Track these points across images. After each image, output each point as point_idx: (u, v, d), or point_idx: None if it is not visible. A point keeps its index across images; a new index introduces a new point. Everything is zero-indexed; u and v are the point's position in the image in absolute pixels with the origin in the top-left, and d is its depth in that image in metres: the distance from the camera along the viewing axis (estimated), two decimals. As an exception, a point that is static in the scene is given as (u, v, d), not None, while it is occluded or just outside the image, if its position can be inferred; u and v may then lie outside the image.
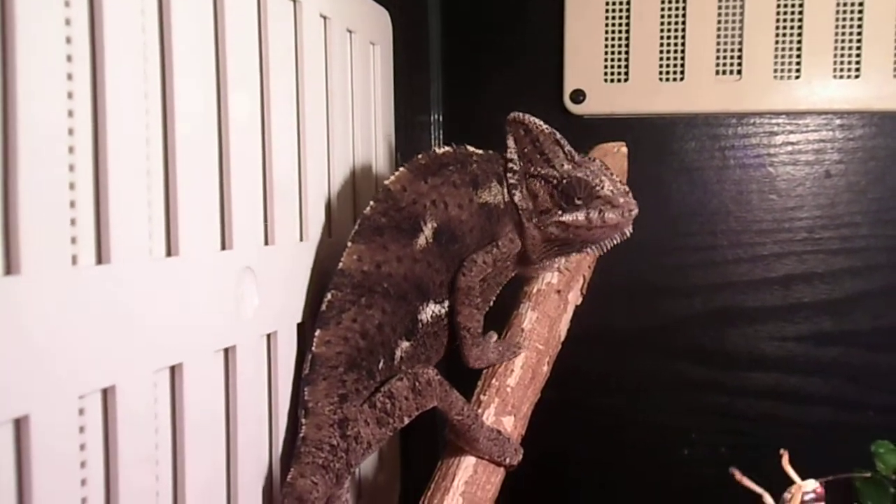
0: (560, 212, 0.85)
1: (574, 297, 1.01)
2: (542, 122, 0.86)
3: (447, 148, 0.86)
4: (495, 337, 0.92)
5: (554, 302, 0.97)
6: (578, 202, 0.84)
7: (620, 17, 1.28)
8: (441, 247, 0.83)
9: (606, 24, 1.28)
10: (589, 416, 1.37)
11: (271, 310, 0.77)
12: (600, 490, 1.38)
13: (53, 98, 0.51)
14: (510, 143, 0.87)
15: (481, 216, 0.86)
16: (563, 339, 0.98)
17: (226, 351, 0.71)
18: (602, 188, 0.84)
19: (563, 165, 0.85)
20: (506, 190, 0.87)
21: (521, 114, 0.86)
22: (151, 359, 0.60)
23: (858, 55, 1.23)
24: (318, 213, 0.88)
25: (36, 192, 0.49)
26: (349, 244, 0.79)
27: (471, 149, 0.87)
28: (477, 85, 1.37)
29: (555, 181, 0.85)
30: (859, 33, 1.23)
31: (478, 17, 1.36)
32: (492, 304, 0.92)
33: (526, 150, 0.87)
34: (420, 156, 0.85)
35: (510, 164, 0.87)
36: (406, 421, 0.78)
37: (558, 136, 0.86)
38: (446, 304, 0.85)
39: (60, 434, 0.52)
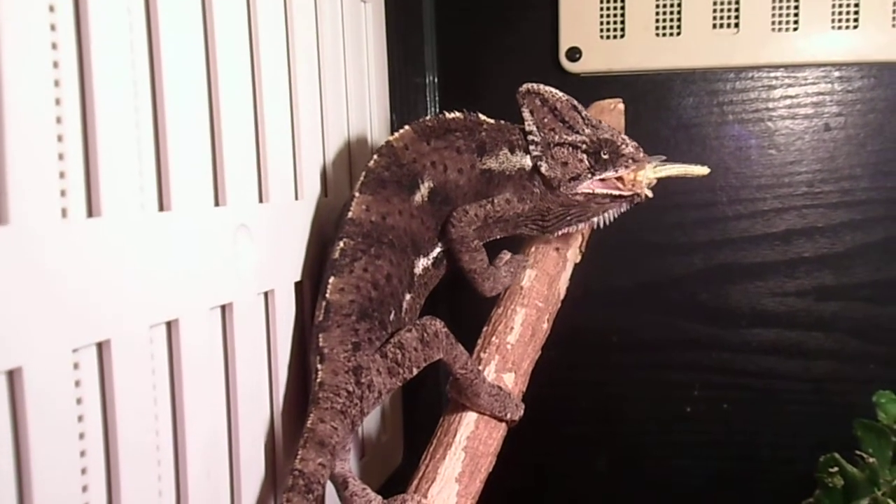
0: (591, 174, 0.87)
1: (573, 255, 1.01)
2: (557, 91, 0.88)
3: (457, 114, 0.87)
4: (507, 256, 0.94)
5: (553, 259, 0.97)
6: (608, 163, 0.87)
7: (615, -27, 1.27)
8: (434, 206, 0.85)
9: (601, -20, 1.27)
10: (589, 374, 1.37)
11: (268, 268, 0.77)
12: (602, 447, 1.39)
13: (38, 50, 0.51)
14: (526, 114, 0.88)
15: (480, 182, 0.87)
16: (562, 296, 0.98)
17: (222, 308, 0.71)
18: (626, 147, 0.87)
19: (584, 130, 0.87)
20: (520, 159, 0.88)
21: (534, 84, 0.88)
22: (146, 314, 0.60)
23: (857, 5, 1.22)
24: (314, 173, 0.88)
25: (23, 144, 0.49)
26: (356, 195, 0.80)
27: (482, 117, 0.88)
28: (472, 45, 1.35)
29: (584, 146, 0.87)
30: (857, -18, 1.21)
31: (471, -25, 1.35)
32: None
33: (545, 119, 0.88)
34: (428, 118, 0.86)
35: (531, 137, 0.88)
36: (414, 372, 0.79)
37: (575, 102, 0.89)
38: (431, 256, 0.87)
39: (55, 386, 0.51)
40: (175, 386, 0.64)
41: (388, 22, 1.11)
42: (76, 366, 0.54)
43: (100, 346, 0.56)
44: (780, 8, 1.23)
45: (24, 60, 0.49)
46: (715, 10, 1.25)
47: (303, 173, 0.85)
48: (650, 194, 0.88)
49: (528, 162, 0.88)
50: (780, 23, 1.24)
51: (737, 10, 1.24)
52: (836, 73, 1.27)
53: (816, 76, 1.28)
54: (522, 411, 0.85)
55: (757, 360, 1.34)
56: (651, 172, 0.87)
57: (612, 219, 0.92)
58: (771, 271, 1.32)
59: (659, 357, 1.36)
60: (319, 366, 0.75)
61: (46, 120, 0.51)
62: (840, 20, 1.22)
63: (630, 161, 0.87)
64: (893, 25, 1.21)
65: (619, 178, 0.88)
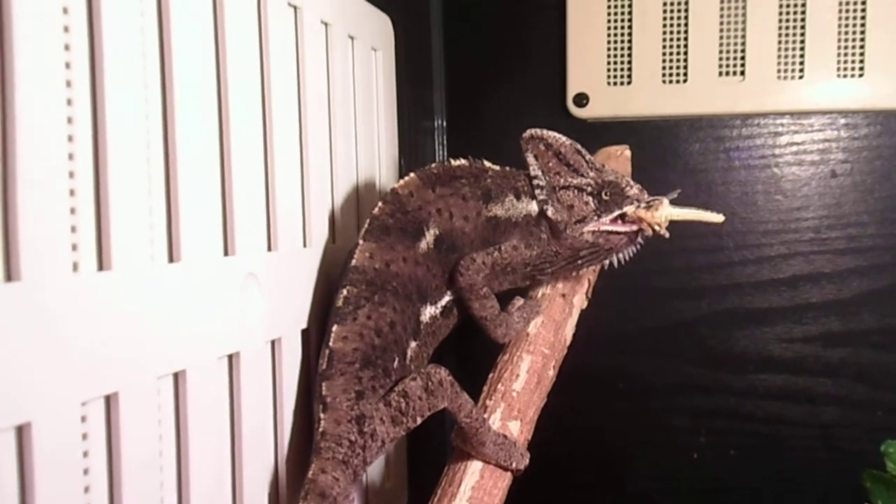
0: (598, 216, 0.87)
1: (579, 301, 1.01)
2: (560, 135, 0.88)
3: (462, 161, 0.87)
4: (520, 301, 0.94)
5: (559, 306, 0.97)
6: (612, 204, 0.87)
7: (622, 20, 1.28)
8: (440, 253, 0.85)
9: (609, 27, 1.28)
10: (597, 420, 1.37)
11: (276, 316, 0.77)
12: (608, 494, 1.38)
13: (53, 105, 0.51)
14: (531, 159, 0.89)
15: (487, 229, 0.87)
16: (568, 343, 0.98)
17: (230, 357, 0.71)
18: (630, 188, 0.87)
19: (589, 173, 0.88)
20: (526, 205, 0.88)
21: (538, 130, 0.88)
22: (154, 365, 0.60)
23: (862, 54, 1.23)
24: (322, 220, 0.88)
25: (35, 199, 0.49)
26: (360, 242, 0.80)
27: (487, 164, 0.89)
28: (480, 90, 1.37)
29: (589, 188, 0.88)
30: (862, 32, 1.22)
31: (480, 21, 1.37)
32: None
33: (550, 163, 0.88)
34: (434, 165, 0.86)
35: (536, 181, 0.88)
36: (419, 420, 0.78)
37: (578, 146, 0.89)
38: (439, 305, 0.86)
39: (63, 441, 0.52)
40: (181, 436, 0.64)
41: (398, 67, 1.12)
42: (84, 419, 0.54)
43: (108, 398, 0.56)
44: (786, 56, 1.24)
45: (37, 115, 0.50)
46: (721, 58, 1.26)
47: (311, 220, 0.85)
48: (667, 234, 0.87)
49: (534, 208, 0.89)
50: (785, 70, 1.25)
51: (742, 57, 1.25)
52: (843, 121, 1.28)
53: (822, 123, 1.29)
54: (528, 460, 0.85)
55: (764, 406, 1.33)
56: (668, 212, 0.87)
57: (624, 260, 0.91)
58: (778, 317, 1.32)
59: (666, 403, 1.36)
60: (322, 415, 0.75)
61: (59, 175, 0.52)
62: (845, 68, 1.23)
63: (635, 202, 0.87)
64: (899, 74, 1.22)
65: (639, 219, 0.87)
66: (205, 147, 0.67)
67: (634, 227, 0.88)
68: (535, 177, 0.88)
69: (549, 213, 0.88)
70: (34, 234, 0.49)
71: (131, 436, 0.57)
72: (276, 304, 0.77)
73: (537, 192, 0.88)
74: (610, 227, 0.88)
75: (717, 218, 0.88)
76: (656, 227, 0.87)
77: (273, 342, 0.78)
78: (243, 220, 0.72)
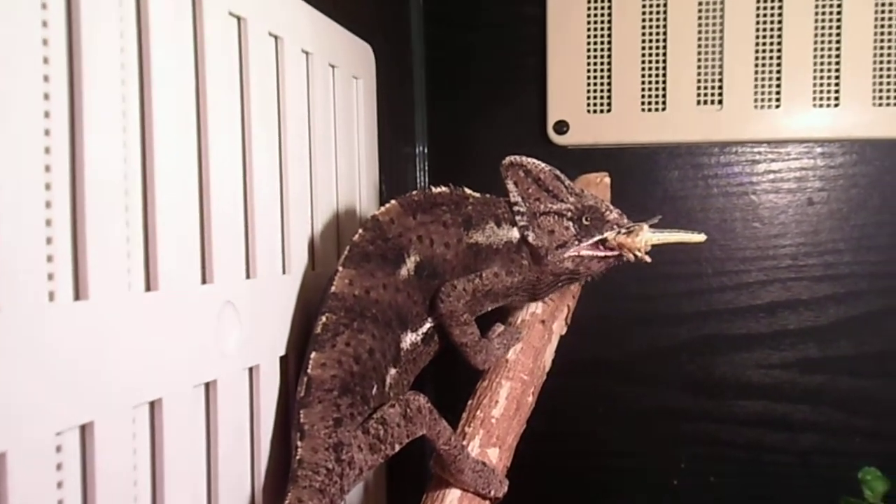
0: (578, 241, 0.88)
1: (559, 328, 1.01)
2: (539, 162, 0.89)
3: (443, 188, 0.88)
4: (500, 328, 0.95)
5: (538, 332, 0.98)
6: (592, 229, 0.88)
7: (602, 49, 1.30)
8: (421, 280, 0.85)
9: (588, 56, 1.30)
10: (576, 447, 1.37)
11: (253, 343, 0.77)
12: (589, 521, 1.38)
13: (30, 135, 0.51)
14: (511, 186, 0.89)
15: (468, 256, 0.87)
16: (547, 369, 0.98)
17: (206, 385, 0.71)
18: (610, 213, 0.88)
19: (569, 198, 0.89)
20: (506, 232, 0.89)
21: (517, 157, 0.89)
22: (130, 394, 0.60)
23: (837, 84, 1.25)
24: (302, 247, 0.88)
25: (12, 229, 0.49)
26: (340, 268, 0.80)
27: (468, 191, 0.89)
28: (462, 117, 1.38)
29: (569, 213, 0.88)
30: (837, 63, 1.24)
31: (461, 49, 1.38)
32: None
33: (530, 190, 0.89)
34: (415, 192, 0.87)
35: (516, 207, 0.89)
36: (397, 448, 0.78)
37: (557, 171, 0.90)
38: (420, 332, 0.86)
39: (37, 471, 0.51)
40: (156, 466, 0.64)
41: (379, 95, 1.13)
42: (59, 448, 0.54)
43: (83, 428, 0.56)
44: (763, 86, 1.26)
45: (13, 145, 0.50)
46: (699, 87, 1.28)
47: (291, 247, 0.85)
48: (648, 259, 0.88)
49: (514, 235, 0.89)
50: (762, 100, 1.26)
51: (720, 87, 1.27)
52: (819, 150, 1.30)
53: (799, 152, 1.30)
54: (507, 487, 0.85)
55: (744, 433, 1.34)
56: (648, 237, 0.88)
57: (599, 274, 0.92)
58: (756, 343, 1.33)
59: (646, 429, 1.36)
60: (299, 442, 0.74)
61: (35, 204, 0.52)
62: (821, 98, 1.25)
63: (615, 226, 0.88)
64: (873, 104, 1.24)
65: (620, 245, 0.88)
66: (183, 175, 0.67)
67: (615, 253, 0.88)
68: (516, 203, 0.89)
69: (530, 238, 0.88)
70: (10, 263, 0.49)
71: (106, 466, 0.57)
72: (254, 332, 0.77)
73: (518, 218, 0.89)
74: (590, 253, 0.89)
75: (699, 238, 0.89)
76: (637, 253, 0.87)
77: (251, 369, 0.78)
78: (221, 248, 0.72)
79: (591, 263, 0.89)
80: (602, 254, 0.88)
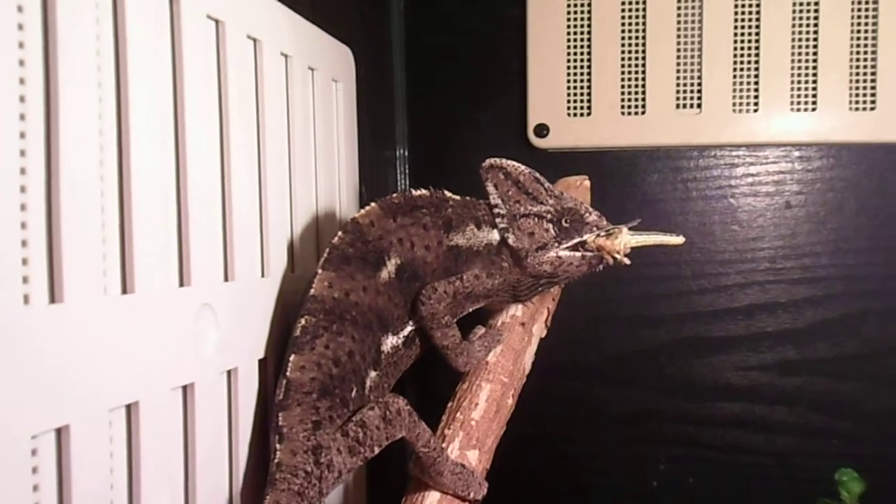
0: (558, 243, 0.88)
1: (539, 330, 1.02)
2: (519, 164, 0.89)
3: (424, 190, 0.88)
4: (481, 330, 0.96)
5: (518, 334, 0.98)
6: (572, 231, 0.88)
7: (582, 53, 1.30)
8: (402, 283, 0.85)
9: (568, 60, 1.30)
10: (555, 448, 1.37)
11: (231, 346, 0.77)
12: (570, 523, 1.38)
13: (6, 137, 0.51)
14: (491, 188, 0.89)
15: (449, 258, 0.87)
16: (527, 371, 0.98)
17: (184, 388, 0.71)
18: (589, 215, 0.89)
19: (548, 200, 0.89)
20: (486, 234, 0.89)
21: (496, 159, 0.89)
22: (106, 397, 0.59)
23: (815, 89, 1.26)
24: (281, 249, 0.88)
25: (-14, 232, 0.49)
26: (319, 271, 0.80)
27: (448, 194, 0.89)
28: (442, 120, 1.38)
29: (548, 216, 0.89)
30: (815, 68, 1.26)
31: (441, 53, 1.38)
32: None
33: (509, 192, 0.89)
34: (395, 195, 0.87)
35: (496, 210, 0.89)
36: (376, 450, 0.78)
37: (537, 174, 0.90)
38: (401, 334, 0.87)
39: (12, 474, 0.51)
40: (133, 469, 0.64)
41: (359, 98, 1.13)
42: (34, 452, 0.54)
43: (59, 431, 0.56)
44: (741, 90, 1.27)
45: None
46: (678, 91, 1.29)
47: (269, 250, 0.85)
48: (627, 262, 0.88)
49: (494, 237, 0.89)
50: (740, 104, 1.28)
51: (699, 91, 1.28)
52: (797, 153, 1.31)
53: (777, 155, 1.31)
54: (486, 490, 0.85)
55: (722, 434, 1.35)
56: (628, 239, 0.88)
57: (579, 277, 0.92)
58: (735, 345, 1.34)
59: (625, 431, 1.37)
60: (278, 445, 0.74)
61: (10, 207, 0.51)
62: (799, 103, 1.26)
63: (594, 228, 0.88)
64: (850, 108, 1.25)
65: (599, 248, 0.88)
66: (160, 177, 0.67)
67: (592, 254, 0.88)
68: (496, 205, 0.89)
69: (510, 240, 0.89)
70: (-16, 266, 0.49)
71: (83, 469, 0.57)
72: (232, 335, 0.77)
73: (498, 220, 0.89)
74: (569, 254, 0.89)
75: (678, 240, 0.89)
76: (616, 256, 0.88)
77: (229, 372, 0.78)
78: (199, 251, 0.72)
79: (570, 267, 0.89)
80: (580, 254, 0.89)
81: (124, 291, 0.63)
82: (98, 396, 0.58)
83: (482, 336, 0.94)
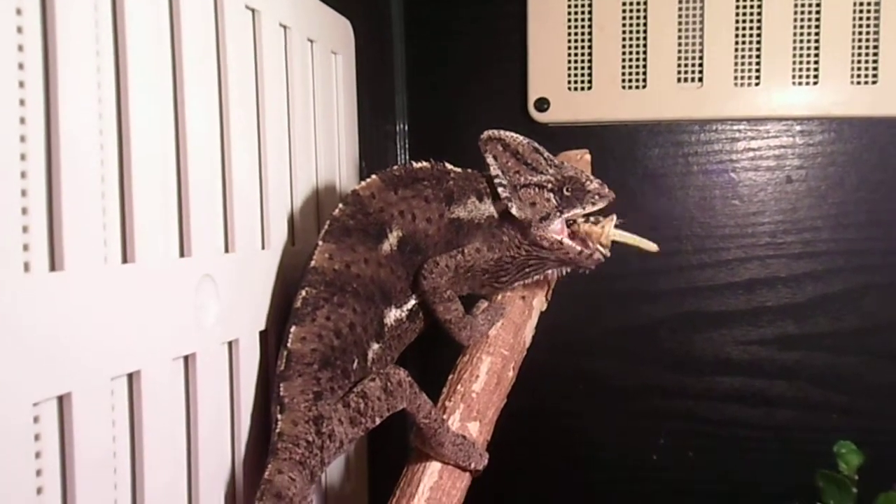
0: (560, 212, 0.89)
1: (539, 304, 1.02)
2: (517, 135, 0.89)
3: (424, 163, 0.88)
4: (484, 304, 0.96)
5: (519, 308, 0.98)
6: (574, 200, 0.89)
7: (582, 26, 1.30)
8: (404, 255, 0.85)
9: (569, 33, 1.30)
10: (556, 422, 1.38)
11: (232, 317, 0.77)
12: (568, 496, 1.39)
13: (5, 105, 0.51)
14: (490, 160, 0.89)
15: (450, 231, 0.87)
16: (528, 345, 0.99)
17: (185, 359, 0.71)
18: (590, 183, 0.89)
19: (548, 170, 0.89)
20: (487, 207, 0.89)
21: (495, 131, 0.89)
22: (108, 366, 0.59)
23: (816, 63, 1.25)
24: (281, 222, 0.88)
25: (-13, 199, 0.49)
26: (320, 243, 0.81)
27: (449, 166, 0.89)
28: (442, 94, 1.38)
29: (549, 185, 0.89)
30: (817, 41, 1.25)
31: (441, 26, 1.37)
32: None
33: (509, 163, 0.89)
34: (395, 167, 0.86)
35: (497, 180, 0.88)
36: (377, 421, 0.78)
37: (536, 144, 0.90)
38: (405, 308, 0.87)
39: (15, 442, 0.51)
40: (135, 437, 0.64)
41: (358, 72, 1.13)
42: (36, 419, 0.54)
43: (60, 399, 0.56)
44: (743, 64, 1.27)
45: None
46: (680, 65, 1.28)
47: (270, 222, 0.85)
48: (607, 254, 0.90)
49: (495, 210, 0.89)
50: (742, 78, 1.27)
51: (701, 65, 1.27)
52: (798, 127, 1.30)
53: (778, 130, 1.31)
54: (487, 460, 0.85)
55: (721, 409, 1.35)
56: (612, 231, 0.89)
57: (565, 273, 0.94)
58: (735, 320, 1.34)
59: (626, 405, 1.37)
60: (279, 416, 0.75)
61: (11, 175, 0.51)
62: (800, 77, 1.26)
63: (596, 197, 0.89)
64: (852, 82, 1.24)
65: (587, 233, 0.89)
66: (161, 148, 0.67)
67: (591, 245, 0.90)
68: (496, 176, 0.89)
69: (514, 210, 0.88)
70: (-15, 233, 0.49)
71: (85, 436, 0.57)
72: (233, 306, 0.77)
73: (500, 190, 0.89)
74: (570, 241, 0.90)
75: (652, 247, 0.91)
76: (600, 244, 0.89)
77: (230, 343, 0.78)
78: (199, 222, 0.72)
79: (567, 254, 0.90)
80: (580, 247, 0.90)
81: (125, 261, 0.63)
82: (99, 365, 0.59)
83: (485, 310, 0.94)
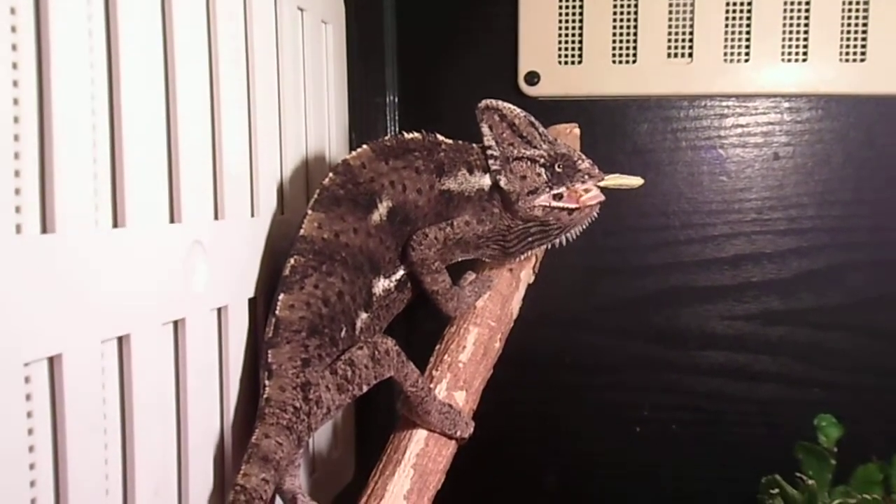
0: (549, 188, 0.89)
1: (526, 276, 1.03)
2: (515, 107, 0.89)
3: (416, 134, 0.88)
4: (472, 276, 0.96)
5: (506, 280, 0.99)
6: (564, 177, 0.89)
7: (573, 1, 1.29)
8: (394, 226, 0.85)
9: (560, 7, 1.30)
10: (542, 394, 1.39)
11: (222, 284, 0.78)
12: (552, 467, 1.40)
13: (-4, 67, 0.51)
14: (485, 130, 0.89)
15: (440, 203, 0.88)
16: (515, 316, 1.00)
17: (175, 323, 0.72)
18: (582, 162, 0.90)
19: (542, 145, 0.89)
20: (478, 179, 0.89)
21: (493, 101, 0.89)
22: (98, 328, 0.60)
23: (806, 39, 1.26)
24: (270, 190, 0.89)
25: (-22, 160, 0.49)
26: (309, 212, 0.81)
27: (440, 138, 0.89)
28: (432, 66, 1.38)
29: (542, 160, 0.89)
30: (807, 18, 1.25)
31: (432, -2, 1.37)
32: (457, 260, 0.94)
33: (504, 134, 0.89)
34: (387, 138, 0.87)
35: (490, 151, 0.89)
36: (364, 389, 0.79)
37: (532, 118, 0.90)
38: (393, 278, 0.87)
39: (6, 400, 0.52)
40: (125, 400, 0.65)
41: (348, 42, 1.13)
42: (27, 379, 0.54)
43: (51, 360, 0.56)
44: (732, 40, 1.27)
45: (-19, 78, 0.50)
46: (670, 40, 1.28)
47: (259, 191, 0.86)
48: (602, 197, 0.91)
49: (486, 182, 0.90)
50: (732, 54, 1.27)
51: (690, 40, 1.27)
52: (786, 104, 1.31)
53: (767, 106, 1.32)
54: (472, 429, 0.86)
55: (705, 382, 1.36)
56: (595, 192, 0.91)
57: (573, 237, 0.94)
58: (720, 295, 1.35)
59: (611, 378, 1.38)
60: (267, 382, 0.75)
61: (3, 137, 0.52)
62: (790, 53, 1.26)
63: (586, 176, 0.89)
64: (840, 60, 1.25)
65: (573, 192, 0.90)
66: (151, 113, 0.67)
67: (573, 205, 0.90)
68: (489, 147, 0.89)
69: (502, 183, 0.89)
70: (-24, 194, 0.49)
71: (75, 398, 0.58)
72: (222, 272, 0.77)
73: (491, 161, 0.89)
74: (558, 202, 0.90)
75: (637, 181, 0.93)
76: (589, 203, 0.90)
77: (219, 310, 0.79)
78: (189, 188, 0.72)
79: (561, 215, 0.90)
80: (571, 205, 0.90)
81: (115, 225, 0.63)
82: (90, 327, 0.59)
83: (472, 282, 0.95)
